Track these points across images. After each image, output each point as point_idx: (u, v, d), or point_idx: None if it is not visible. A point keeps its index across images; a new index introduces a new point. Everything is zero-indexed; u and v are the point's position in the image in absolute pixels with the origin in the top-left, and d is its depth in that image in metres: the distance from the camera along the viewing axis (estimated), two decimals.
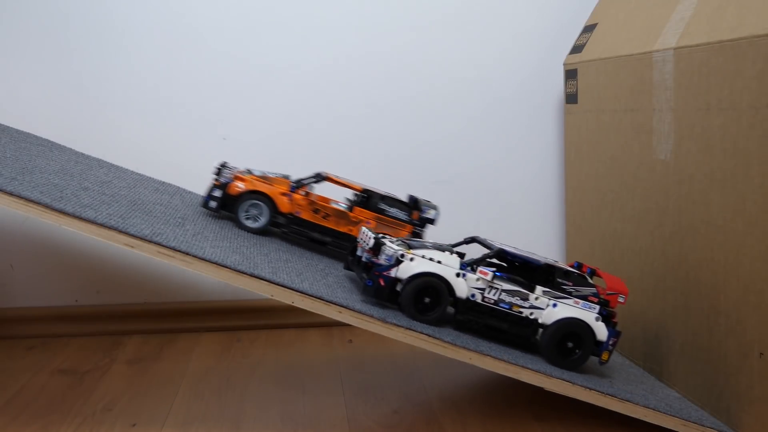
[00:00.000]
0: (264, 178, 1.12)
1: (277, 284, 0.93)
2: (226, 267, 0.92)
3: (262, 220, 1.10)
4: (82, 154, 1.25)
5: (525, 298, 0.99)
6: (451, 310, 1.01)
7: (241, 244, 1.02)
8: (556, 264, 1.02)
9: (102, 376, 1.18)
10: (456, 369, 1.23)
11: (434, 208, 1.14)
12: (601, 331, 0.99)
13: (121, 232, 0.90)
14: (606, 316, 1.00)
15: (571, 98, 1.36)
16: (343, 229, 1.12)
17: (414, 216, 1.14)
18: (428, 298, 0.97)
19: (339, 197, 1.27)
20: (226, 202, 1.10)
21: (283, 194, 1.10)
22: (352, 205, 1.14)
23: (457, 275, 0.98)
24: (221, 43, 1.39)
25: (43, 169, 1.02)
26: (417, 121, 1.45)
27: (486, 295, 0.99)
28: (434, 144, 1.46)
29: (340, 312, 0.93)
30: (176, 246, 0.91)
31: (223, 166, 1.16)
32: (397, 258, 0.96)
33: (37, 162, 1.05)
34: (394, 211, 1.13)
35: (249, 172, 1.14)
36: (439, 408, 1.08)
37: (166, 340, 1.37)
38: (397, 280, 0.97)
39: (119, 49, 1.37)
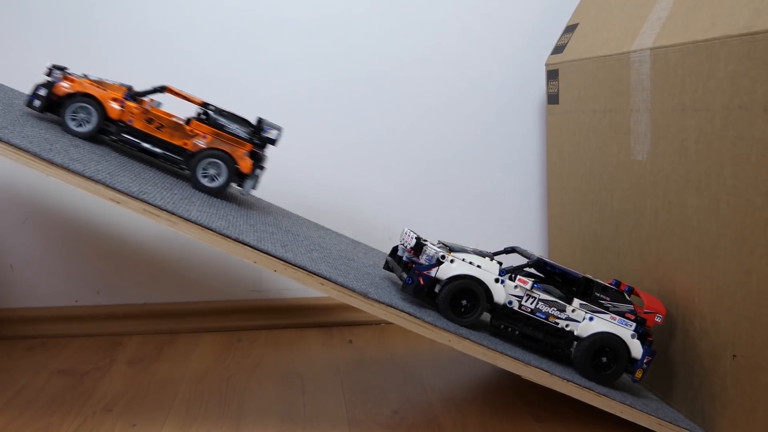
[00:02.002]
0: (98, 83, 1.06)
1: (261, 251, 0.92)
2: (211, 230, 0.91)
3: (90, 125, 1.03)
4: None
5: (562, 310, 1.00)
6: (487, 317, 1.02)
7: (228, 213, 1.02)
8: (595, 279, 1.02)
9: (102, 376, 1.18)
10: (456, 369, 1.23)
11: (277, 129, 1.09)
12: (636, 348, 0.99)
13: (108, 186, 0.89)
14: (642, 335, 1.00)
15: (552, 99, 1.35)
16: (177, 142, 1.06)
17: (255, 136, 1.09)
18: (466, 301, 0.98)
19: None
20: (52, 103, 1.03)
21: (115, 100, 1.04)
22: (191, 118, 1.08)
23: (496, 281, 0.98)
24: (220, 42, 1.39)
25: (34, 125, 1.00)
26: (400, 122, 1.45)
27: (523, 303, 0.99)
28: (418, 144, 1.46)
29: (323, 284, 0.93)
30: (162, 205, 0.90)
31: (57, 67, 1.06)
32: (438, 259, 0.97)
33: (28, 117, 1.03)
34: (234, 127, 1.07)
35: (85, 76, 1.07)
36: (439, 408, 1.08)
37: (166, 340, 1.37)
38: (436, 280, 0.97)
39: (120, 52, 1.37)
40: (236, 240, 0.92)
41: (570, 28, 1.33)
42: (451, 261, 0.97)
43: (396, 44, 1.43)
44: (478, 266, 0.98)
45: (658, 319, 0.99)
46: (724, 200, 0.89)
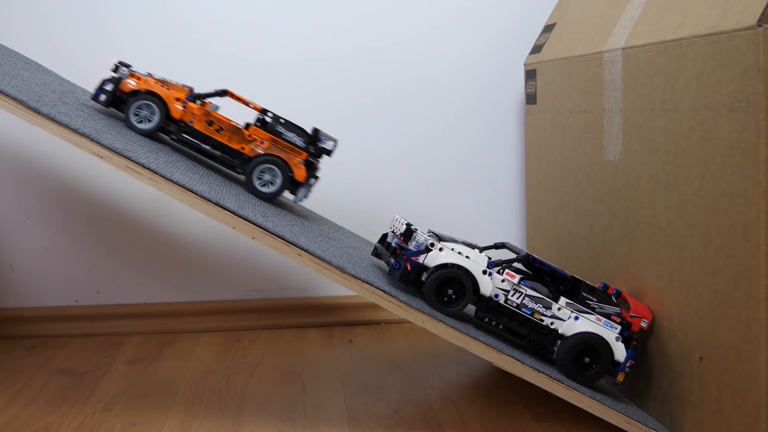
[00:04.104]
0: (163, 83, 1.08)
1: (241, 217, 0.92)
2: (193, 192, 0.91)
3: (152, 123, 1.05)
4: (69, 81, 1.22)
5: (548, 307, 0.99)
6: (471, 310, 1.01)
7: (212, 181, 1.01)
8: (583, 279, 1.02)
9: (102, 376, 1.18)
10: (456, 369, 1.23)
11: (333, 140, 1.10)
12: (620, 351, 0.99)
13: (92, 140, 0.89)
14: (626, 338, 0.99)
15: (530, 99, 1.34)
16: (235, 145, 1.08)
17: (311, 146, 1.10)
18: (452, 290, 0.97)
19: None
20: (117, 99, 1.05)
21: (178, 100, 1.06)
22: (249, 124, 1.10)
23: (484, 273, 0.98)
24: (218, 44, 1.39)
25: (25, 78, 1.00)
26: (383, 121, 1.45)
27: (509, 297, 0.99)
28: (396, 145, 1.45)
29: (300, 255, 0.93)
30: (146, 164, 0.90)
31: (123, 64, 1.11)
32: (427, 246, 0.97)
33: (21, 72, 1.03)
34: (291, 135, 1.09)
35: (150, 75, 1.09)
36: (439, 408, 1.08)
37: (166, 340, 1.37)
38: (423, 267, 0.97)
39: (121, 54, 1.37)
40: (216, 204, 0.91)
41: (548, 28, 1.32)
42: (440, 249, 0.97)
43: (374, 42, 1.43)
44: (467, 257, 0.97)
45: (643, 324, 0.98)
46: (691, 201, 0.89)
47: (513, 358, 0.94)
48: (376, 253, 1.08)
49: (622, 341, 0.99)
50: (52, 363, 1.25)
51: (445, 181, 1.47)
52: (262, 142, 1.07)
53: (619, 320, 0.99)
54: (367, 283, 0.94)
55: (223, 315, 1.43)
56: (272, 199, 1.08)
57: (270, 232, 0.92)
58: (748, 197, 0.79)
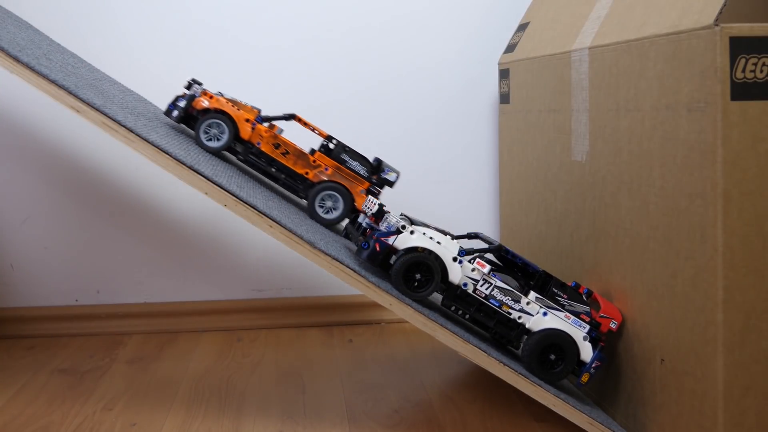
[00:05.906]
0: (233, 103, 1.09)
1: (214, 183, 0.91)
2: (168, 154, 0.90)
3: (221, 142, 1.07)
4: (59, 44, 1.20)
5: (517, 300, 0.97)
6: (439, 297, 0.99)
7: (190, 148, 1.00)
8: (554, 275, 1.00)
9: (102, 376, 1.19)
10: (456, 368, 1.23)
11: (395, 172, 1.11)
12: (587, 351, 0.97)
13: (70, 93, 0.88)
14: (594, 339, 0.98)
15: (504, 98, 1.34)
16: (299, 170, 1.09)
17: (374, 176, 1.11)
18: (420, 275, 0.95)
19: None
20: (189, 115, 1.08)
21: (247, 121, 1.07)
22: (314, 150, 1.12)
23: (454, 260, 0.96)
24: (212, 40, 1.39)
25: (11, 32, 0.98)
26: (356, 119, 1.45)
27: (478, 287, 0.97)
28: (374, 142, 1.45)
29: (271, 226, 0.92)
30: (123, 122, 0.89)
31: (195, 81, 1.13)
32: (398, 228, 0.95)
33: (7, 27, 1.01)
34: (354, 164, 1.10)
35: (221, 94, 1.11)
36: (439, 408, 1.08)
37: (167, 340, 1.37)
38: (393, 249, 0.95)
39: (123, 51, 1.37)
40: (190, 168, 0.90)
41: (522, 27, 1.32)
42: (411, 232, 0.95)
43: (347, 40, 1.43)
44: (438, 242, 0.96)
45: (612, 326, 0.97)
46: (653, 202, 0.88)
47: (479, 348, 0.93)
48: (346, 234, 1.07)
49: (589, 341, 0.97)
50: (52, 363, 1.25)
51: (419, 180, 1.47)
52: (326, 169, 1.09)
53: (588, 320, 0.98)
54: (337, 260, 0.92)
55: (223, 315, 1.43)
56: (332, 226, 1.09)
57: (242, 201, 0.91)
58: (706, 198, 0.79)
